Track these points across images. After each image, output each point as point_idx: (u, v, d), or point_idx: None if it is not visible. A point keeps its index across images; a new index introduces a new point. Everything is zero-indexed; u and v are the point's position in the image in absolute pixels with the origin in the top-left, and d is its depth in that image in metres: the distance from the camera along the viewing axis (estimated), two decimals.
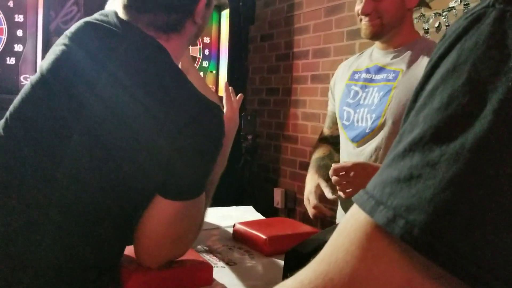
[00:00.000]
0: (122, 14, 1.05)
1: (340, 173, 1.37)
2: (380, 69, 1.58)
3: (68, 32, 1.07)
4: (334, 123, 1.75)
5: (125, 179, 0.97)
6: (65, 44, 1.05)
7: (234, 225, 1.54)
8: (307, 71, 3.29)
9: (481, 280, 0.29)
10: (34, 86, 1.03)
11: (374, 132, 1.52)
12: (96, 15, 1.09)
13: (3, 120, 1.03)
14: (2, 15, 2.75)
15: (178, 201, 1.00)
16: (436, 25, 2.32)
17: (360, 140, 1.56)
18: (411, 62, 1.50)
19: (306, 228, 1.52)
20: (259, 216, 1.85)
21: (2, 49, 2.77)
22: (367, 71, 1.62)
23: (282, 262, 1.16)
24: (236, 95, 1.38)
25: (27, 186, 0.96)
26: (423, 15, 2.38)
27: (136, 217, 1.02)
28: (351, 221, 0.35)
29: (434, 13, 2.33)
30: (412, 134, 0.33)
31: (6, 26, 2.76)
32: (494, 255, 0.29)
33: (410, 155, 0.33)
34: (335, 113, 1.73)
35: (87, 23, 1.07)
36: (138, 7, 1.03)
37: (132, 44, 1.02)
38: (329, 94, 1.80)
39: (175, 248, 1.07)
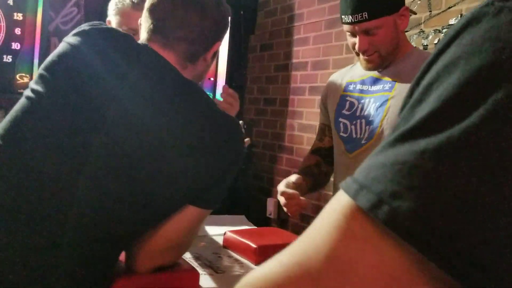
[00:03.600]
0: (144, 40, 1.09)
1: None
2: (376, 80, 1.56)
3: (79, 34, 1.05)
4: (326, 135, 1.74)
5: (160, 195, 1.00)
6: (78, 48, 1.02)
7: (224, 233, 1.52)
8: (305, 83, 3.29)
9: (459, 268, 0.29)
10: (46, 95, 0.99)
11: (370, 143, 1.49)
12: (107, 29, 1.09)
13: (6, 127, 0.99)
14: (1, 12, 2.74)
15: (207, 209, 1.07)
16: (435, 41, 2.32)
17: (355, 151, 1.54)
18: (406, 73, 1.48)
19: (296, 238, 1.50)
20: (250, 226, 1.83)
21: (0, 46, 2.76)
22: (362, 82, 1.60)
23: None
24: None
25: (42, 204, 0.94)
26: (423, 31, 2.39)
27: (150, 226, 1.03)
28: (334, 205, 0.35)
29: (433, 30, 2.33)
30: (405, 127, 0.34)
31: (4, 23, 2.75)
32: (476, 245, 0.29)
33: (399, 145, 0.33)
34: (326, 125, 1.73)
35: (102, 30, 1.07)
36: (166, 34, 1.07)
37: (151, 61, 1.04)
38: (321, 106, 1.79)
39: (175, 254, 1.10)
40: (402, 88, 1.46)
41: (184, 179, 0.99)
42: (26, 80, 2.80)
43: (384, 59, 1.49)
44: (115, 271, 1.04)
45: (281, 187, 1.45)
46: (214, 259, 1.38)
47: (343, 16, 1.46)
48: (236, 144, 1.06)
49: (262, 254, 1.34)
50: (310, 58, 3.27)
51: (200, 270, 1.20)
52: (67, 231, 0.92)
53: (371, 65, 1.51)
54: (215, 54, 1.18)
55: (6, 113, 2.71)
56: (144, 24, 1.10)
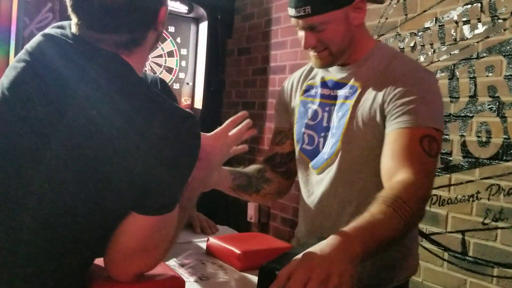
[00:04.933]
0: (78, 32, 1.00)
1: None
2: (337, 84, 1.40)
3: (28, 47, 1.01)
4: (289, 138, 1.53)
5: (103, 200, 0.93)
6: (26, 61, 0.98)
7: (207, 239, 1.52)
8: None
9: None
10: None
11: (331, 158, 1.36)
12: (53, 28, 1.03)
13: None
14: None
15: (153, 216, 0.97)
16: (412, 44, 2.35)
17: (319, 167, 1.40)
18: (368, 77, 1.34)
19: (280, 243, 1.51)
20: (233, 232, 1.83)
21: None
22: (324, 85, 1.44)
23: (255, 278, 1.14)
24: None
25: None
26: (399, 35, 2.42)
27: (108, 234, 0.99)
28: None
29: (409, 33, 2.36)
30: None
31: None
32: None
33: None
34: (285, 129, 1.54)
35: (47, 36, 1.01)
36: (100, 29, 0.98)
37: (96, 60, 0.97)
38: (277, 109, 1.60)
39: (144, 261, 1.04)
40: (363, 97, 1.32)
41: (123, 181, 0.92)
42: None
43: (336, 56, 1.34)
44: (97, 279, 1.03)
45: None
46: (198, 266, 1.38)
47: (288, 8, 1.31)
48: (179, 142, 0.95)
49: (246, 260, 1.34)
50: (288, 62, 3.28)
51: (184, 278, 1.20)
52: (21, 238, 0.90)
53: (321, 62, 1.35)
54: (165, 18, 1.04)
55: None
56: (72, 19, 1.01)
